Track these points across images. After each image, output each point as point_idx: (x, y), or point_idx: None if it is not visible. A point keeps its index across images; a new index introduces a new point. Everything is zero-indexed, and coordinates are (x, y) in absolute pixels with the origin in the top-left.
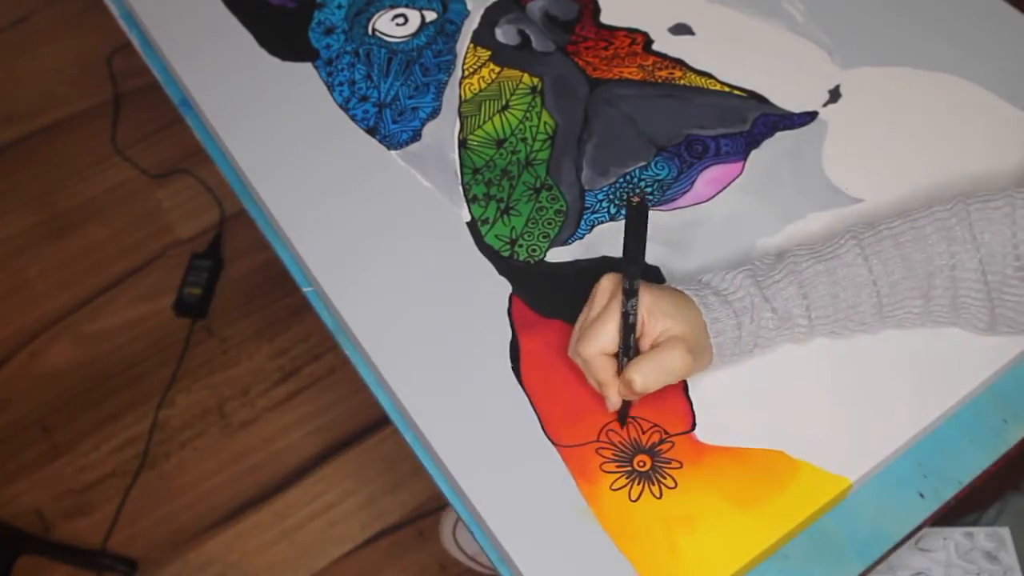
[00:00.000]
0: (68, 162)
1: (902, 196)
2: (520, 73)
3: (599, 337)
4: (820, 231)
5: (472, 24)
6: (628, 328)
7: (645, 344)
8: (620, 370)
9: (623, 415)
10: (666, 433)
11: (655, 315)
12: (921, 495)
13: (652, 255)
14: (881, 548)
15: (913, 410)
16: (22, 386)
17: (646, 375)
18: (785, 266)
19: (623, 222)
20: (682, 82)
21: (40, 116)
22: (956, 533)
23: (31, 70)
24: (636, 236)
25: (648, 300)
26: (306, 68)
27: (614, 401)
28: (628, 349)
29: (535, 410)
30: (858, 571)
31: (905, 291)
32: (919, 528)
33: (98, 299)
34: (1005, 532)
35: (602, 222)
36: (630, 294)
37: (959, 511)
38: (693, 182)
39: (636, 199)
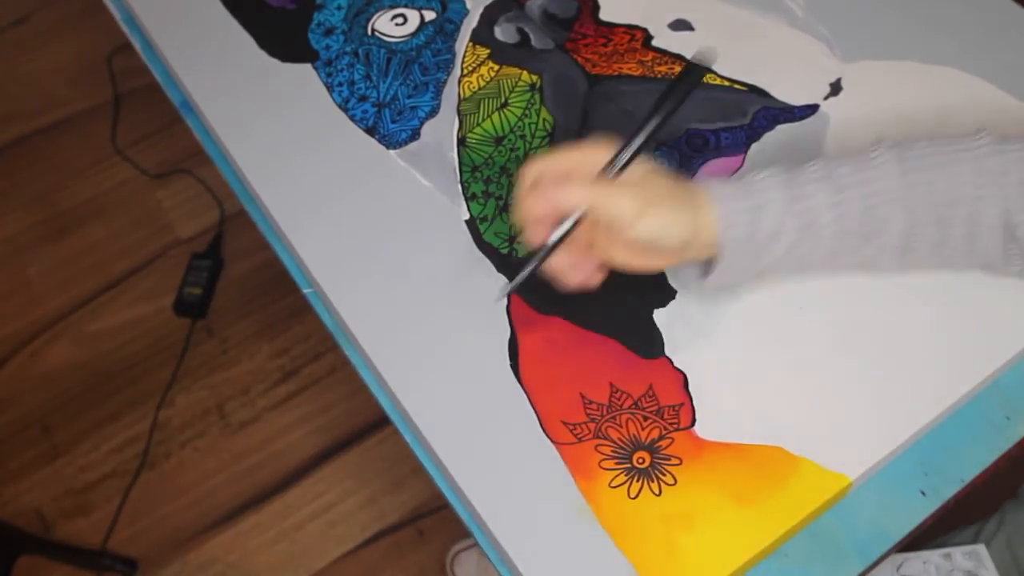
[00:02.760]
0: (68, 162)
1: None
2: (519, 71)
3: (544, 159)
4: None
5: (471, 23)
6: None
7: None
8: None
9: (524, 267)
10: (666, 429)
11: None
12: (922, 493)
13: None
14: (882, 547)
15: (914, 407)
16: (22, 386)
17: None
18: (821, 165)
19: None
20: None
21: (40, 116)
22: (935, 555)
23: (31, 70)
24: (683, 87)
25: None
26: (306, 69)
27: (531, 237)
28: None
29: (534, 407)
30: (858, 570)
31: (927, 221)
32: (920, 527)
33: (98, 299)
34: (981, 549)
35: None
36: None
37: (957, 522)
38: (693, 176)
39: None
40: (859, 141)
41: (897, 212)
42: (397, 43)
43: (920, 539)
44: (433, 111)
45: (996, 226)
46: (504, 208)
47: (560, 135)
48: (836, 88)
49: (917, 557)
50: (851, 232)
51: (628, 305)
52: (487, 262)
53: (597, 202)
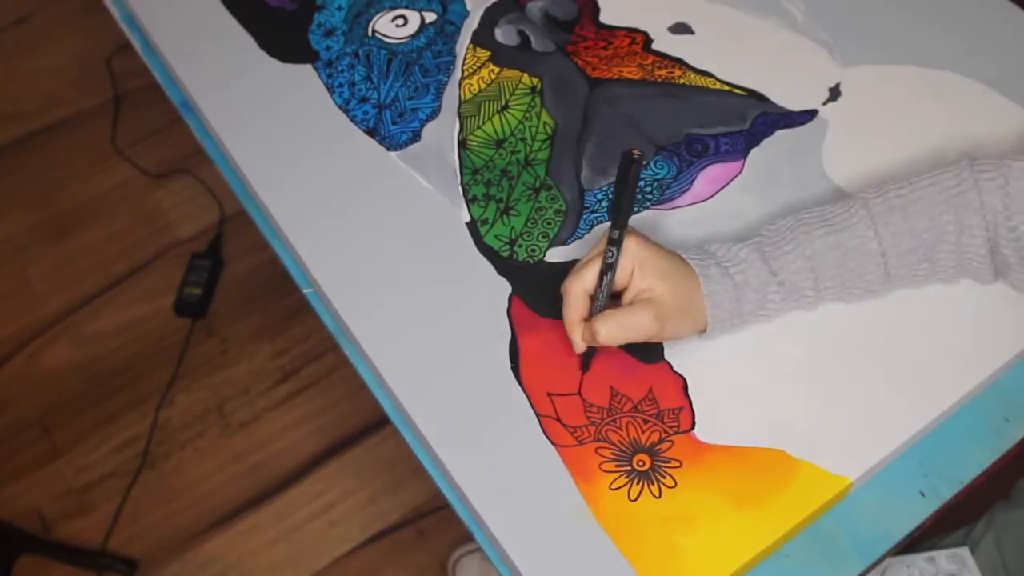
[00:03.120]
0: (68, 162)
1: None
2: (519, 73)
3: (584, 276)
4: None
5: (472, 25)
6: (603, 273)
7: (626, 297)
8: (590, 315)
9: (585, 361)
10: (666, 432)
11: (644, 271)
12: (922, 494)
13: None
14: (882, 547)
15: (914, 409)
16: (22, 386)
17: (610, 330)
18: (795, 236)
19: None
20: (682, 81)
21: (40, 116)
22: (919, 559)
23: (31, 70)
24: (626, 188)
25: (641, 255)
26: (306, 70)
27: (578, 343)
28: (601, 295)
29: (534, 410)
30: (858, 570)
31: (913, 260)
32: (920, 527)
33: (98, 299)
34: (965, 552)
35: (601, 222)
36: (611, 242)
37: (948, 523)
38: (693, 181)
39: (637, 152)
40: (858, 147)
41: (873, 264)
42: (398, 44)
43: (911, 540)
44: (434, 113)
45: (983, 253)
46: (505, 211)
47: (560, 138)
48: (835, 93)
49: (901, 562)
50: (831, 288)
51: None
52: (488, 265)
53: (617, 332)
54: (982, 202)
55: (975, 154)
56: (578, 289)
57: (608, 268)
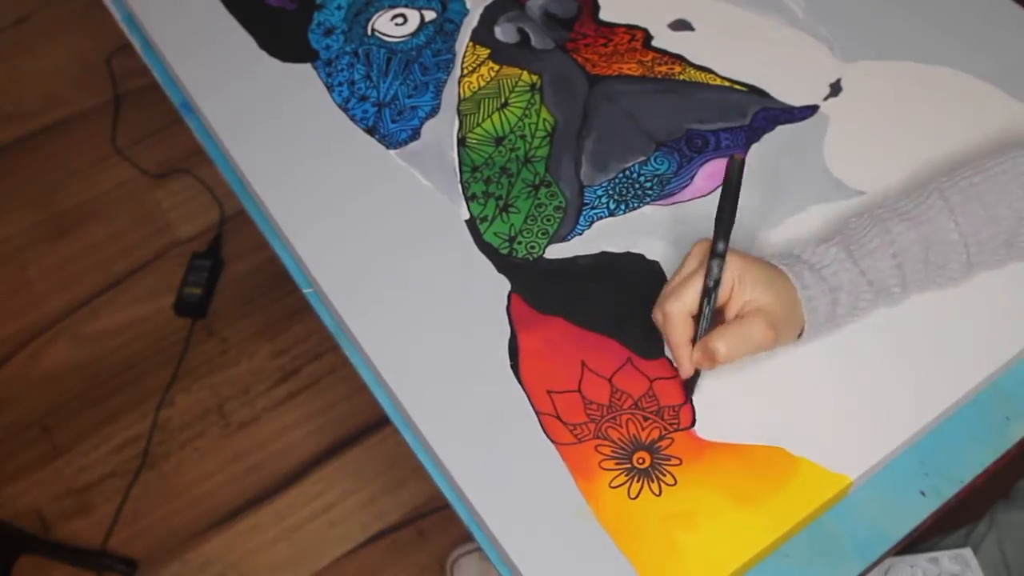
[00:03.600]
0: (68, 162)
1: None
2: (519, 71)
3: (684, 296)
4: (835, 219)
5: (471, 23)
6: (709, 292)
7: (730, 312)
8: (696, 337)
9: (690, 387)
10: (666, 429)
11: (745, 282)
12: (922, 493)
13: (652, 250)
14: (882, 547)
15: (914, 407)
16: (22, 386)
17: (730, 345)
18: (878, 234)
19: (622, 217)
20: (682, 77)
21: (40, 116)
22: (922, 560)
23: (31, 70)
24: (732, 198)
25: (739, 266)
26: (306, 69)
27: (687, 368)
28: (707, 313)
29: (534, 408)
30: (858, 570)
31: (993, 247)
32: (920, 526)
33: (98, 299)
34: (968, 553)
35: (601, 218)
36: (715, 255)
37: (948, 523)
38: (693, 176)
39: (739, 156)
40: (858, 142)
41: (955, 253)
42: (397, 43)
43: (912, 540)
44: (433, 111)
45: None
46: (504, 208)
47: (560, 135)
48: (836, 89)
49: (904, 561)
50: (916, 282)
51: (628, 305)
52: (487, 262)
53: (738, 347)
54: None
55: (949, 160)
56: (680, 311)
57: (715, 284)
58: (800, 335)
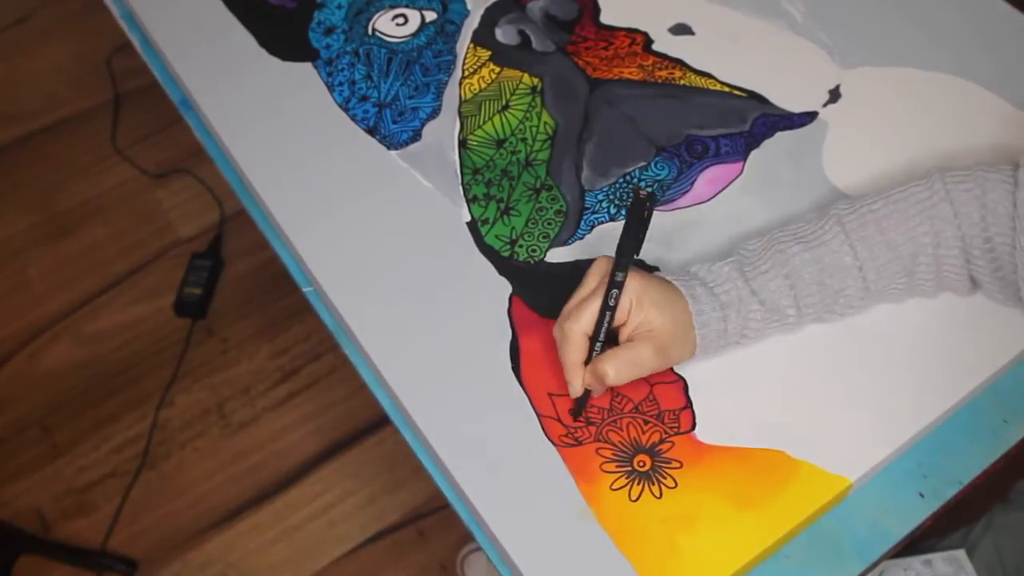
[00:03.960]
0: (68, 162)
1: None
2: (520, 73)
3: (582, 316)
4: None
5: (472, 24)
6: (605, 316)
7: (624, 332)
8: (590, 357)
9: (579, 407)
10: (666, 433)
11: (643, 303)
12: (921, 495)
13: (651, 254)
14: (881, 548)
15: (913, 410)
16: (22, 386)
17: (619, 369)
18: (771, 255)
19: (623, 222)
20: (682, 82)
21: (40, 116)
22: (915, 562)
23: (31, 70)
24: (635, 229)
25: (637, 288)
26: (306, 68)
27: (576, 387)
28: (601, 335)
29: (535, 410)
30: (858, 571)
31: (891, 273)
32: (919, 528)
33: (98, 299)
34: (961, 555)
35: (602, 222)
36: (613, 284)
37: (946, 525)
38: (693, 182)
39: (644, 192)
40: (857, 149)
41: (851, 279)
42: (398, 43)
43: (911, 541)
44: (434, 112)
45: (959, 265)
46: (505, 211)
47: (561, 138)
48: (835, 95)
49: (897, 565)
50: (812, 306)
51: None
52: (488, 264)
53: (626, 372)
54: (955, 212)
55: (949, 163)
56: (578, 331)
57: (610, 309)
58: (694, 353)
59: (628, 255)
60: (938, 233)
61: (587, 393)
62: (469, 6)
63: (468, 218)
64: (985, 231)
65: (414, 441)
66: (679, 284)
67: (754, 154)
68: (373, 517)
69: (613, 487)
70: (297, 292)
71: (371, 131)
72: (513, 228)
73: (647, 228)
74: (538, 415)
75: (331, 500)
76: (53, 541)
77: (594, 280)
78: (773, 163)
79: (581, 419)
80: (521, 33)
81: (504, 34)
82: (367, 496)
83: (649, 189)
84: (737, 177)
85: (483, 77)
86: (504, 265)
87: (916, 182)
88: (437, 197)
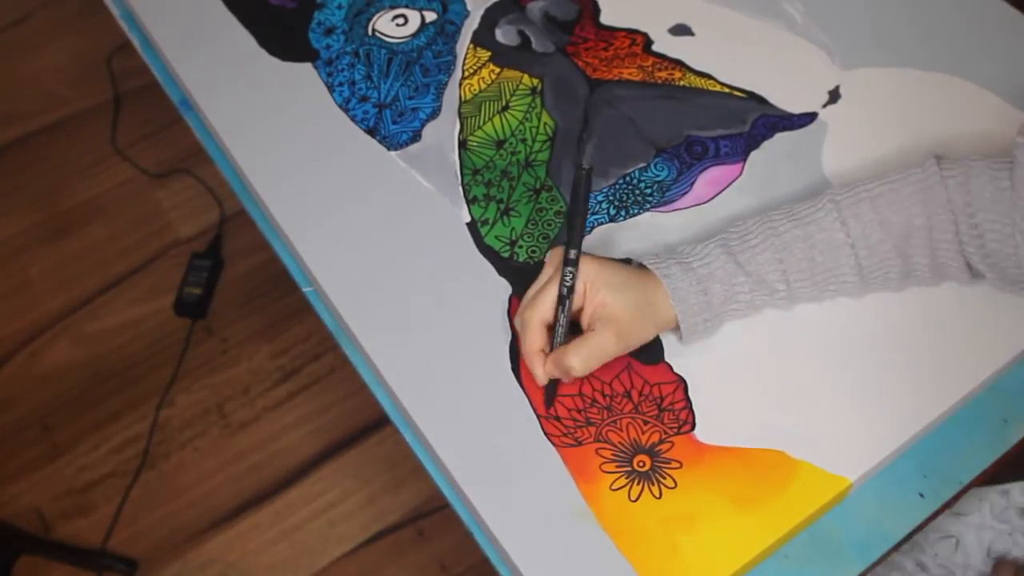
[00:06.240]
0: (68, 162)
1: None
2: (520, 74)
3: (540, 304)
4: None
5: (472, 25)
6: (563, 299)
7: (585, 316)
8: (552, 344)
9: (549, 396)
10: (666, 433)
11: (596, 285)
12: (921, 495)
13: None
14: (881, 548)
15: (913, 410)
16: (22, 386)
17: (583, 359)
18: (762, 231)
19: (622, 224)
20: (682, 83)
21: (40, 116)
22: (992, 492)
23: (31, 70)
24: (580, 204)
25: (591, 271)
26: (306, 68)
27: (540, 375)
28: (562, 321)
29: (535, 410)
30: (858, 571)
31: (884, 253)
32: (919, 528)
33: (98, 299)
34: None
35: (602, 223)
36: (568, 263)
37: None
38: (693, 183)
39: (586, 167)
40: (857, 150)
41: (844, 257)
42: (398, 44)
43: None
44: (434, 113)
45: (955, 250)
46: (505, 212)
47: (561, 139)
48: (835, 96)
49: (975, 494)
50: (802, 282)
51: None
52: (488, 265)
53: (591, 362)
54: (948, 198)
55: (948, 153)
56: (536, 319)
57: (568, 292)
58: (680, 329)
59: (579, 232)
60: (931, 216)
61: (554, 382)
62: (469, 7)
63: (468, 219)
64: (972, 217)
65: (414, 441)
66: (651, 266)
67: (754, 155)
68: (373, 517)
69: (613, 487)
70: (297, 292)
71: (371, 132)
72: (513, 229)
73: (588, 201)
74: (538, 415)
75: (331, 500)
76: (53, 541)
77: (550, 267)
78: (773, 164)
79: (552, 410)
80: (521, 34)
81: (504, 35)
82: (367, 496)
83: (588, 166)
84: (737, 178)
85: (483, 78)
86: (504, 266)
87: (912, 166)
88: (437, 198)
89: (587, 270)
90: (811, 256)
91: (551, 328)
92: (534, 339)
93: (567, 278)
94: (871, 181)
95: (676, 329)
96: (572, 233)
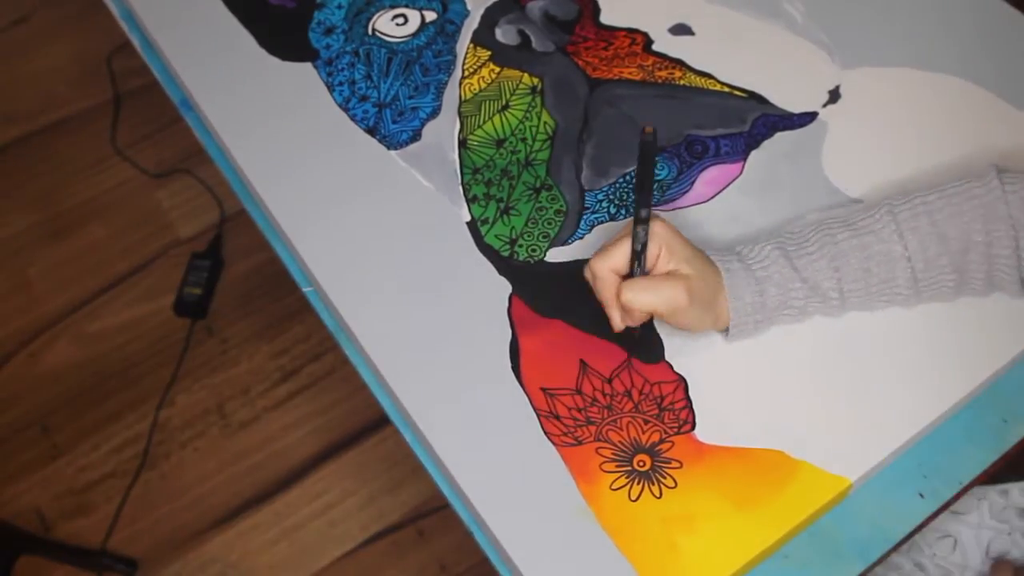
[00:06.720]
0: (68, 162)
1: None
2: (520, 73)
3: (611, 255)
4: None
5: (472, 24)
6: (637, 255)
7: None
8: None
9: (629, 343)
10: (666, 432)
11: (672, 252)
12: (921, 495)
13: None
14: (881, 548)
15: (913, 410)
16: (22, 386)
17: (636, 291)
18: (819, 238)
19: (623, 222)
20: (682, 82)
21: (40, 116)
22: (992, 492)
23: (31, 70)
24: (646, 166)
25: (667, 237)
26: (306, 68)
27: (616, 321)
28: (636, 274)
29: (535, 410)
30: (858, 571)
31: (940, 267)
32: (919, 528)
33: (98, 299)
34: None
35: (602, 222)
36: (639, 221)
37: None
38: (693, 182)
39: (649, 130)
40: (857, 149)
41: (899, 269)
42: (398, 43)
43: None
44: (434, 112)
45: (1012, 265)
46: (505, 211)
47: (561, 138)
48: (835, 95)
49: (974, 493)
50: (856, 292)
51: None
52: (488, 264)
53: (645, 299)
54: (1010, 214)
55: (952, 164)
56: (605, 267)
57: (641, 247)
58: (728, 327)
59: (648, 192)
60: (991, 232)
61: (633, 334)
62: (469, 6)
63: (468, 218)
64: None
65: (414, 441)
66: (715, 257)
67: (754, 154)
68: (373, 517)
69: (613, 487)
70: (297, 292)
71: (371, 131)
72: (513, 228)
73: (655, 162)
74: (537, 414)
75: (331, 500)
76: (53, 541)
77: (628, 226)
78: (773, 163)
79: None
80: (521, 33)
81: (504, 34)
82: (367, 496)
83: (649, 131)
84: (737, 177)
85: (483, 77)
86: (504, 265)
87: (972, 178)
88: (437, 197)
89: (663, 235)
90: (867, 267)
91: (623, 279)
92: (608, 287)
93: (640, 234)
94: (931, 193)
95: (724, 331)
96: (641, 195)
